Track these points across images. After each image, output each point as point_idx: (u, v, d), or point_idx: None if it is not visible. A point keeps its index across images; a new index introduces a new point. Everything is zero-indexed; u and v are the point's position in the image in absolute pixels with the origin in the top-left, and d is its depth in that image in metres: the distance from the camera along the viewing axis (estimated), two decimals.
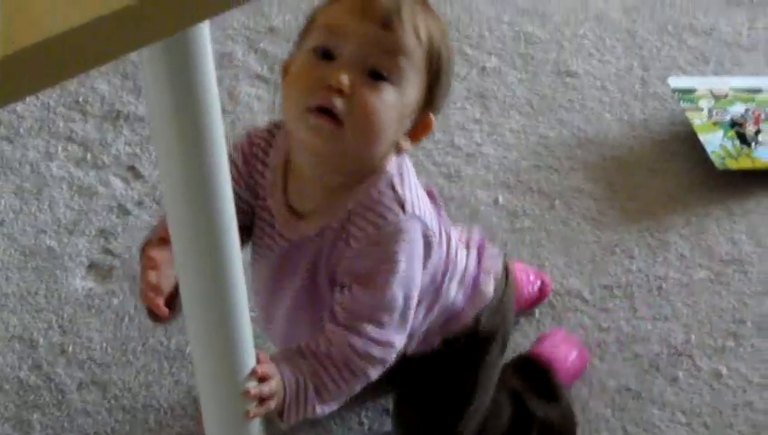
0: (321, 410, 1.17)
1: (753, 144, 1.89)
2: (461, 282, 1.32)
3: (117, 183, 1.82)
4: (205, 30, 0.87)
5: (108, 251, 1.74)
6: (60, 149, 1.90)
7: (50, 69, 0.70)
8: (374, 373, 1.19)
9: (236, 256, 1.00)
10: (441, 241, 1.26)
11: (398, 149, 1.21)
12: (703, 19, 2.17)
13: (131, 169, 1.85)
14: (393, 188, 1.19)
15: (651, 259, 1.74)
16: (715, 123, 1.93)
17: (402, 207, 1.19)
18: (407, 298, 1.19)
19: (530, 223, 1.80)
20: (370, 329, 1.17)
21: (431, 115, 1.22)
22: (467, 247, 1.34)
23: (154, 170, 1.84)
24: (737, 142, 1.89)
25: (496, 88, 2.03)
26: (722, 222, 1.80)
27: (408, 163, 1.23)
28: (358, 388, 1.19)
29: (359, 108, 1.13)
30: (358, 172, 1.19)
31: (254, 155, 1.24)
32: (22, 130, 1.93)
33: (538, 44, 2.12)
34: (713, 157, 1.86)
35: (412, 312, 1.20)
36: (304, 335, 1.23)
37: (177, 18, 0.75)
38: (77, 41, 0.70)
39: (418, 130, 1.22)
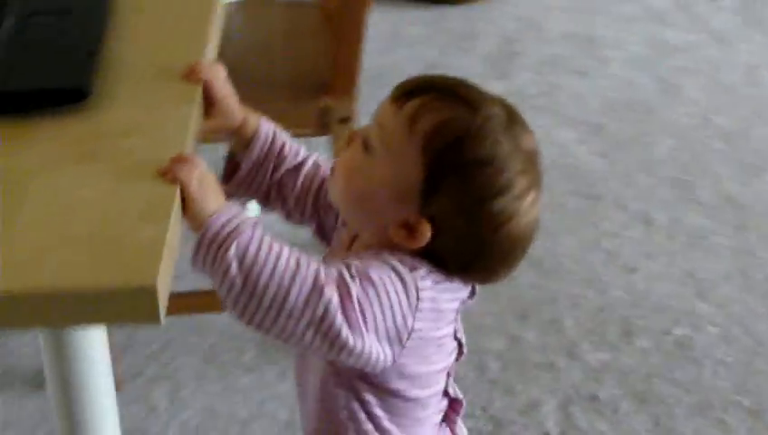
0: (235, 267, 1.06)
1: None
2: None
3: None
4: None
5: None
6: None
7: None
8: (298, 303, 1.06)
9: None
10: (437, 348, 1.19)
11: (392, 241, 1.15)
12: None
13: None
14: (410, 261, 1.14)
15: None
16: None
17: (407, 267, 1.13)
18: (363, 299, 1.09)
19: None
20: (321, 278, 1.07)
21: (425, 223, 1.14)
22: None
23: None
24: None
25: None
26: None
27: (441, 294, 1.15)
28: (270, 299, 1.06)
29: (336, 160, 1.22)
30: (371, 240, 1.19)
31: None
32: None
33: None
34: None
35: (361, 321, 1.09)
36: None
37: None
38: None
39: (409, 229, 1.15)
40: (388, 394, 1.19)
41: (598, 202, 2.62)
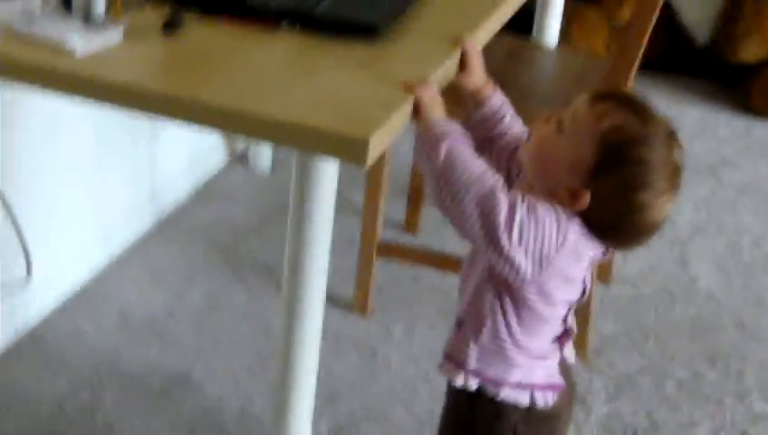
0: (438, 159, 1.47)
1: None
2: (524, 373, 1.61)
3: None
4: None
5: None
6: None
7: None
8: (468, 197, 1.45)
9: None
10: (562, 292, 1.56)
11: (560, 198, 1.51)
12: None
13: None
14: (569, 212, 1.51)
15: None
16: None
17: (566, 215, 1.49)
18: (525, 220, 1.45)
19: None
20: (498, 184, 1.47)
21: (586, 193, 1.49)
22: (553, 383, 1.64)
23: None
24: None
25: None
26: None
27: (583, 242, 1.51)
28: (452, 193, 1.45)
29: (532, 130, 1.61)
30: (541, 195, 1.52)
31: None
32: None
33: None
34: None
35: (517, 234, 1.45)
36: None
37: None
38: None
39: (573, 195, 1.50)
40: (522, 303, 1.58)
41: None
